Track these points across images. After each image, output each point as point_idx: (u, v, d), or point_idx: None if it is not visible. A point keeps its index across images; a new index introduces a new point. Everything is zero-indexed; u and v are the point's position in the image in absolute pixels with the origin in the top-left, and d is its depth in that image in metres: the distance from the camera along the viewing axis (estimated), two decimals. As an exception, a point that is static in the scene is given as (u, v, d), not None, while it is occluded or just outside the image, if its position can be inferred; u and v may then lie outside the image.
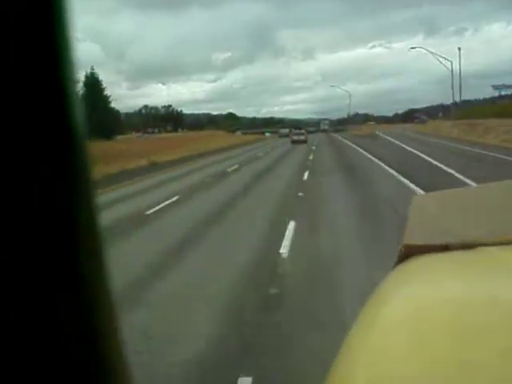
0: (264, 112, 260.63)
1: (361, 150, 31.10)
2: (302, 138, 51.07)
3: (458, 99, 61.86)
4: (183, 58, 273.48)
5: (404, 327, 0.43)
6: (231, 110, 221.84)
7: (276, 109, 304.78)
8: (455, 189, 0.78)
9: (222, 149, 43.82)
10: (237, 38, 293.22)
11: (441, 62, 54.67)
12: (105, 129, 56.61)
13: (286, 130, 79.08)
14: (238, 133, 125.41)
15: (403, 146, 33.10)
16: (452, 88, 56.18)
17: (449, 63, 65.12)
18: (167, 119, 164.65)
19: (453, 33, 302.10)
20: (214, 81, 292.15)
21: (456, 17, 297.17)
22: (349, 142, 43.99)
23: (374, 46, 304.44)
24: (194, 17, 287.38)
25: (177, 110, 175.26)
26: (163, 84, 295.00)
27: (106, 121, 59.69)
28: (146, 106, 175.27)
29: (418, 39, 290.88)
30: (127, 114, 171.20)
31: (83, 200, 0.29)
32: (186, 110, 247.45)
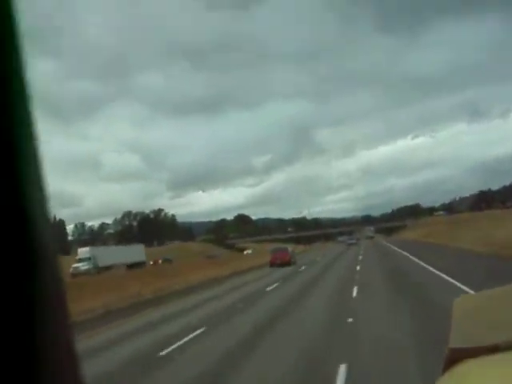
0: (306, 213, 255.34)
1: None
2: (354, 241, 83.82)
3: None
4: (223, 164, 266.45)
5: None
6: (244, 212, 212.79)
7: (318, 209, 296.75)
8: (498, 288, 0.73)
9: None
10: (276, 139, 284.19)
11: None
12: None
13: (342, 238, 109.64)
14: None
15: None
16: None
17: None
18: (150, 229, 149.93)
19: (498, 115, 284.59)
20: (255, 185, 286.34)
21: (501, 98, 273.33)
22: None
23: (416, 136, 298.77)
24: (231, 120, 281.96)
25: (155, 216, 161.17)
26: (203, 191, 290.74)
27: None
28: (129, 213, 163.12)
29: (463, 125, 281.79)
30: (103, 225, 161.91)
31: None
32: (228, 216, 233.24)
